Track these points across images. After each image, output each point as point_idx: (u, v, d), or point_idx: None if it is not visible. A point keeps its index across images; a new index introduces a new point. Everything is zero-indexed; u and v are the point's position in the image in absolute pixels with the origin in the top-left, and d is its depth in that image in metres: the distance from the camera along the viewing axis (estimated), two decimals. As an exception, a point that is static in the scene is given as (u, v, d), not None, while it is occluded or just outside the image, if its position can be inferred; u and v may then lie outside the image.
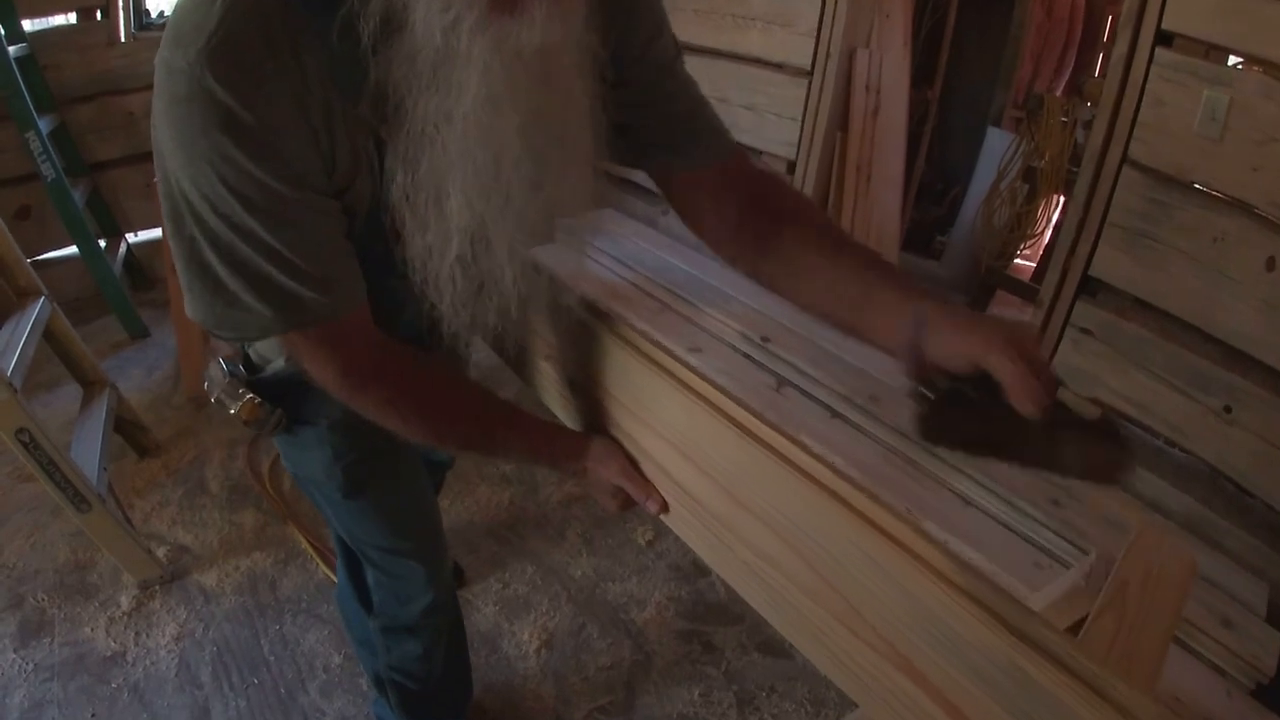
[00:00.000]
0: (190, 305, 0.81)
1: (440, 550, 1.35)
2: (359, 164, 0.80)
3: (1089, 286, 2.23)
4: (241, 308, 0.78)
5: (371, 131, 0.78)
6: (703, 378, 0.87)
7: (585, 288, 1.12)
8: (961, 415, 0.82)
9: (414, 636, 1.39)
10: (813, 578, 0.77)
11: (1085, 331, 2.24)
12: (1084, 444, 0.81)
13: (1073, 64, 4.62)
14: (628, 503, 1.04)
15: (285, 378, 1.01)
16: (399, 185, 0.78)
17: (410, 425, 0.91)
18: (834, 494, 0.74)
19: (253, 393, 1.02)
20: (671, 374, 0.89)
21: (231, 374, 1.04)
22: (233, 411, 1.02)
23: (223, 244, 0.75)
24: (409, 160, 0.76)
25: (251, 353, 1.07)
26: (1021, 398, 0.77)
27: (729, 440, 0.83)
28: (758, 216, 1.00)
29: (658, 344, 0.93)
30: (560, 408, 1.18)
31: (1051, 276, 2.29)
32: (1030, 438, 0.80)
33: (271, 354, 1.04)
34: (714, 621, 2.04)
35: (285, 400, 1.04)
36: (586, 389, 1.06)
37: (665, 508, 0.98)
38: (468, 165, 0.76)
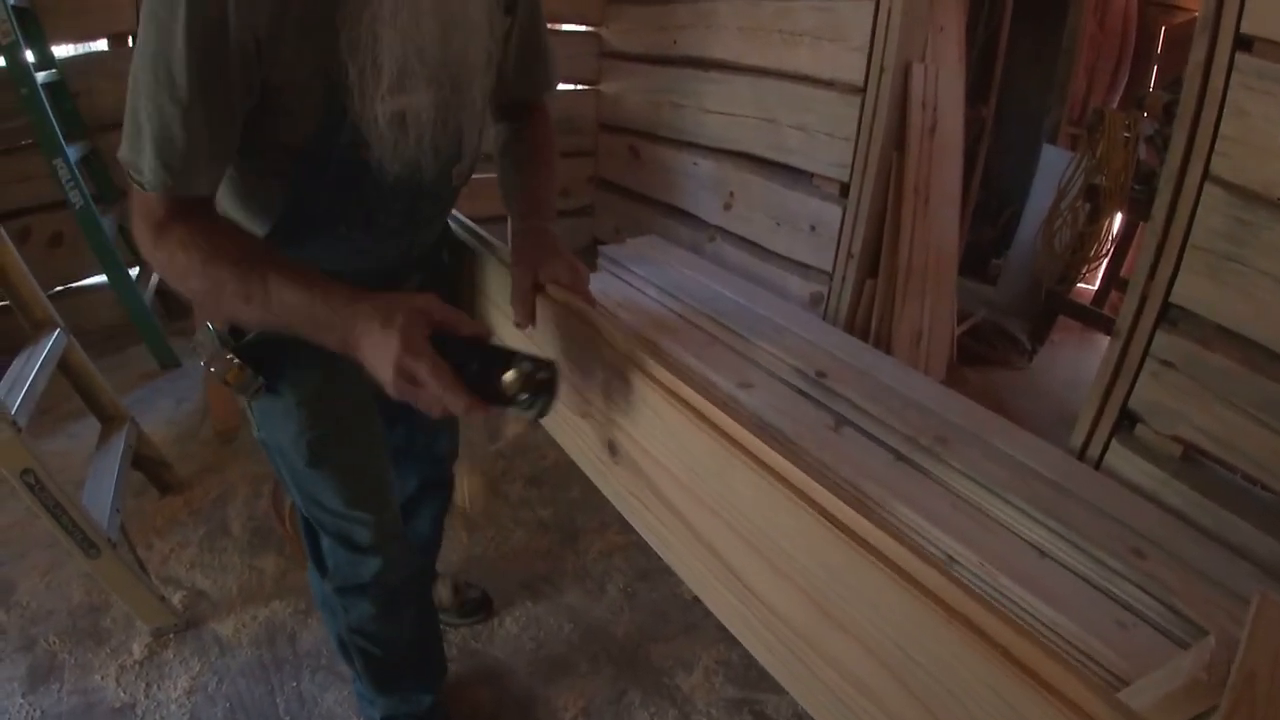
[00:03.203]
0: (120, 146, 0.93)
1: (391, 520, 1.42)
2: (307, 39, 0.90)
3: (1169, 315, 2.09)
4: (145, 154, 0.89)
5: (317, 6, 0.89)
6: (785, 455, 0.71)
7: (628, 327, 0.97)
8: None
9: (366, 596, 1.46)
10: (922, 716, 0.60)
11: (1166, 364, 2.10)
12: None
13: (1127, 77, 4.46)
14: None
15: (266, 344, 1.11)
16: (348, 37, 0.90)
17: (191, 272, 0.94)
18: (960, 616, 0.57)
19: (238, 357, 1.11)
20: (740, 445, 0.73)
21: (219, 338, 1.12)
22: (218, 373, 1.12)
23: (154, 93, 0.86)
24: (354, 14, 0.89)
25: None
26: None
27: (816, 536, 0.65)
28: (518, 142, 1.35)
29: (721, 405, 0.77)
30: (597, 474, 1.03)
31: (1129, 304, 2.14)
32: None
33: None
34: (767, 688, 1.88)
35: (264, 368, 1.14)
36: (631, 456, 0.91)
37: (480, 409, 0.88)
38: (398, 16, 0.91)
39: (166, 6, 0.82)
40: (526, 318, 1.16)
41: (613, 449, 0.94)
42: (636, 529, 0.95)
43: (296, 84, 0.93)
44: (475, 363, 0.89)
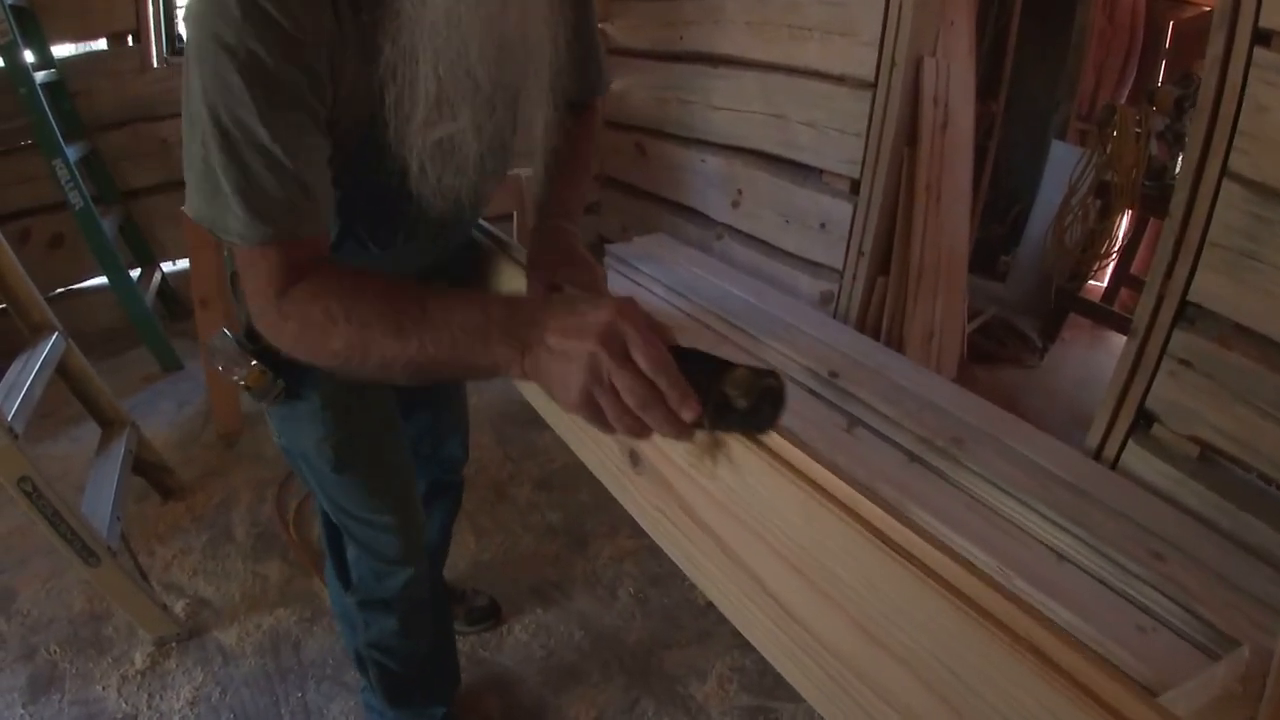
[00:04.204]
0: (190, 203, 0.85)
1: (417, 528, 1.41)
2: (360, 66, 0.86)
3: (1187, 313, 2.06)
4: (230, 211, 0.81)
5: (369, 30, 0.84)
6: (828, 467, 0.66)
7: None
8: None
9: (391, 612, 1.44)
10: None
11: (1184, 363, 2.07)
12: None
13: (1135, 72, 4.42)
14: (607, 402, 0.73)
15: None
16: (386, 60, 0.85)
17: (334, 322, 0.83)
18: (1025, 642, 0.52)
19: (258, 361, 1.08)
20: (777, 455, 0.69)
21: (237, 343, 1.08)
22: (238, 379, 1.08)
23: (223, 143, 0.79)
24: (393, 36, 0.83)
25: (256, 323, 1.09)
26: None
27: (865, 555, 0.60)
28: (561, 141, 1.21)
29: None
30: (617, 487, 0.98)
31: (1146, 302, 2.11)
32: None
33: None
34: (782, 696, 1.85)
35: (284, 371, 1.10)
36: (656, 467, 0.86)
37: (687, 430, 0.72)
38: (437, 38, 0.84)
39: (224, 56, 0.76)
40: None
41: (635, 459, 0.89)
42: (663, 547, 0.90)
43: (351, 113, 0.88)
44: (684, 368, 0.73)
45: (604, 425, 0.74)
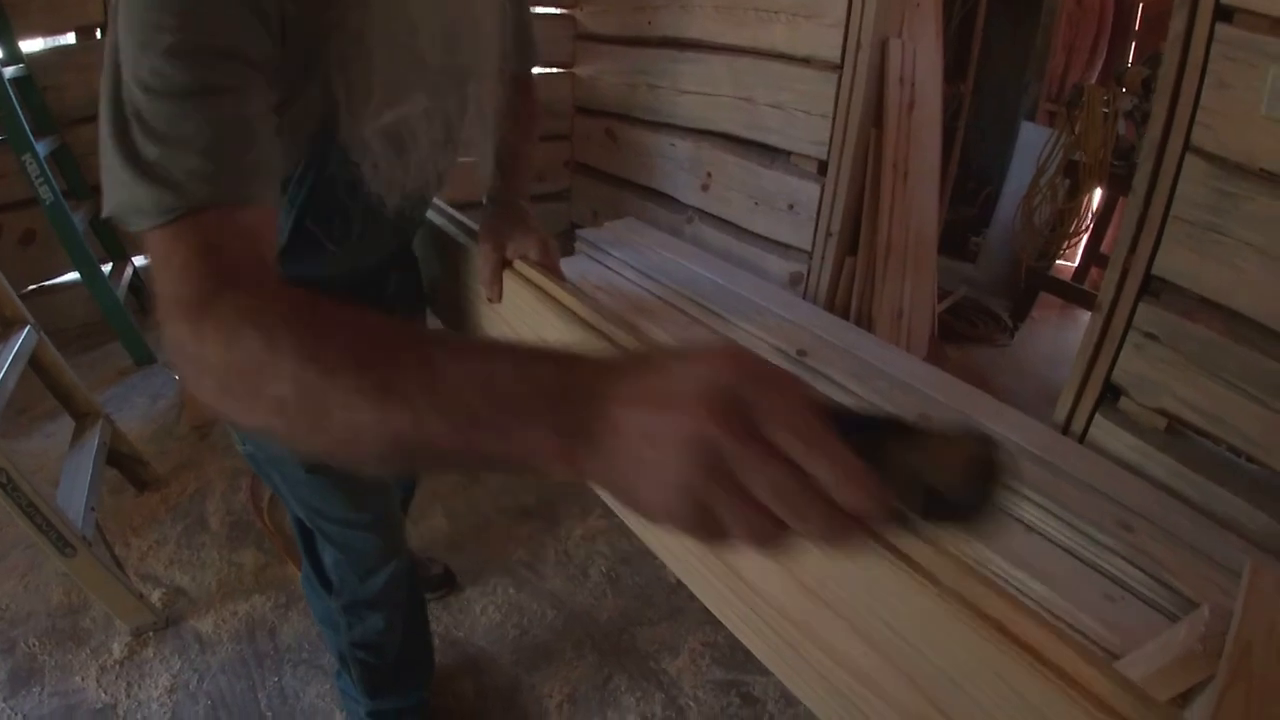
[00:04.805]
0: (105, 198, 0.68)
1: (397, 523, 1.40)
2: (312, 48, 0.78)
3: (1151, 286, 2.08)
4: (134, 174, 0.65)
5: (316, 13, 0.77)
6: None
7: (599, 302, 0.94)
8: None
9: (376, 610, 1.41)
10: (918, 701, 0.55)
11: (1149, 336, 2.09)
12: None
13: (1105, 53, 4.45)
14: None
15: None
16: (334, 47, 0.79)
17: (276, 354, 0.55)
18: (955, 595, 0.52)
19: None
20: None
21: None
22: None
23: (122, 85, 0.66)
24: (340, 21, 0.78)
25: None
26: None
27: None
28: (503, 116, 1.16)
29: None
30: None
31: (1111, 276, 2.14)
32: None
33: None
34: (754, 670, 1.87)
35: None
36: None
37: (861, 533, 0.47)
38: (382, 21, 0.80)
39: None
40: (495, 294, 1.13)
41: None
42: (632, 528, 0.91)
43: (298, 98, 0.79)
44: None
45: (715, 537, 0.47)
